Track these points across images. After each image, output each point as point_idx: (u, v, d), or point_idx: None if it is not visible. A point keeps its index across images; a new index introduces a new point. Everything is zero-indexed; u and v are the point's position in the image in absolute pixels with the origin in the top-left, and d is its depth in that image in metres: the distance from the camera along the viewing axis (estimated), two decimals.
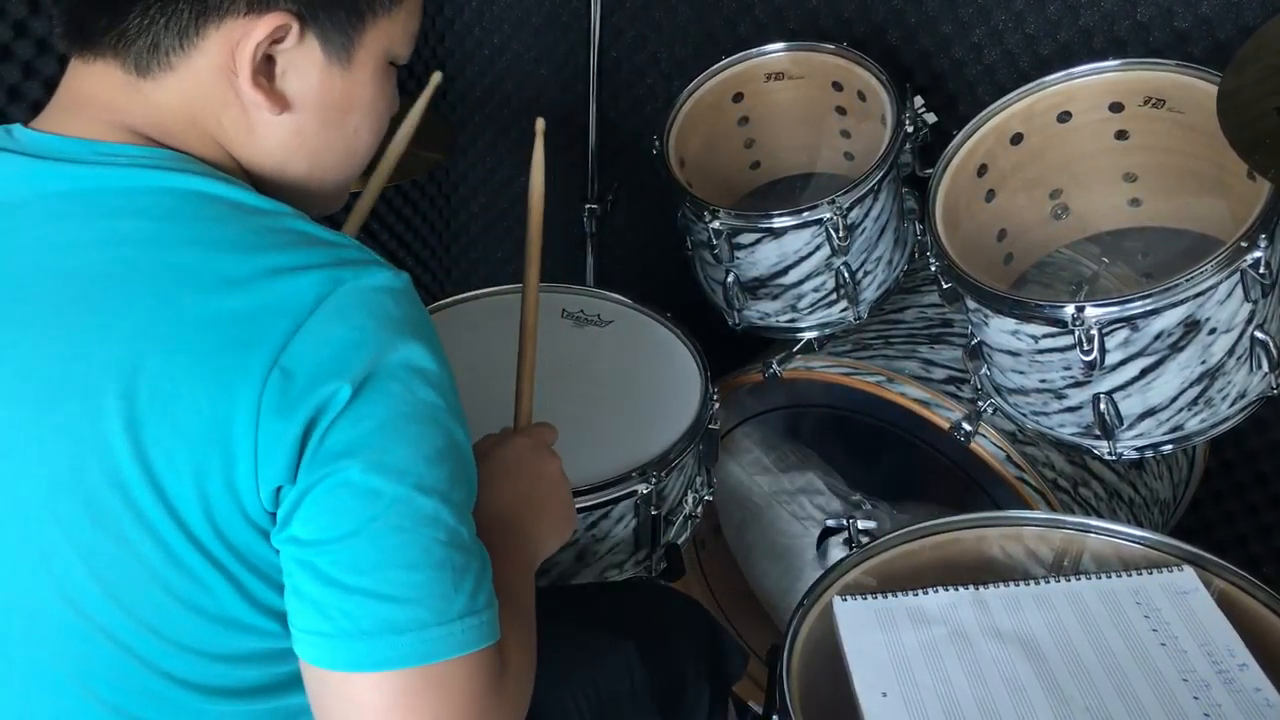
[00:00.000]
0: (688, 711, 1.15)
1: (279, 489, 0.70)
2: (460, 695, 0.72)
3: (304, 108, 0.79)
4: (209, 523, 0.71)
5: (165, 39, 0.75)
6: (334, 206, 0.90)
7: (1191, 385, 1.19)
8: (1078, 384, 1.22)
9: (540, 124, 1.10)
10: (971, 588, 1.03)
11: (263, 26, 0.75)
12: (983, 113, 1.37)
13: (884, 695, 0.93)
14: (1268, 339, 1.18)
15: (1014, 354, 1.26)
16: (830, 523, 1.20)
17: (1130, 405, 1.21)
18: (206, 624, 0.74)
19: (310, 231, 0.75)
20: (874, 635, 0.99)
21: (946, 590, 1.03)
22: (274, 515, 0.71)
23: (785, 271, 1.47)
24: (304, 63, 0.78)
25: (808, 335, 1.54)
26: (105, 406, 0.70)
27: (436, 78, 1.21)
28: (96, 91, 0.77)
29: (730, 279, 1.51)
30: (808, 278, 1.47)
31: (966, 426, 1.37)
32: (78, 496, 0.72)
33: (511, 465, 1.01)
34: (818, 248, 1.44)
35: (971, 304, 1.27)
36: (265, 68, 0.77)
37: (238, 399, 0.68)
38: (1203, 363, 1.17)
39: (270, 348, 0.69)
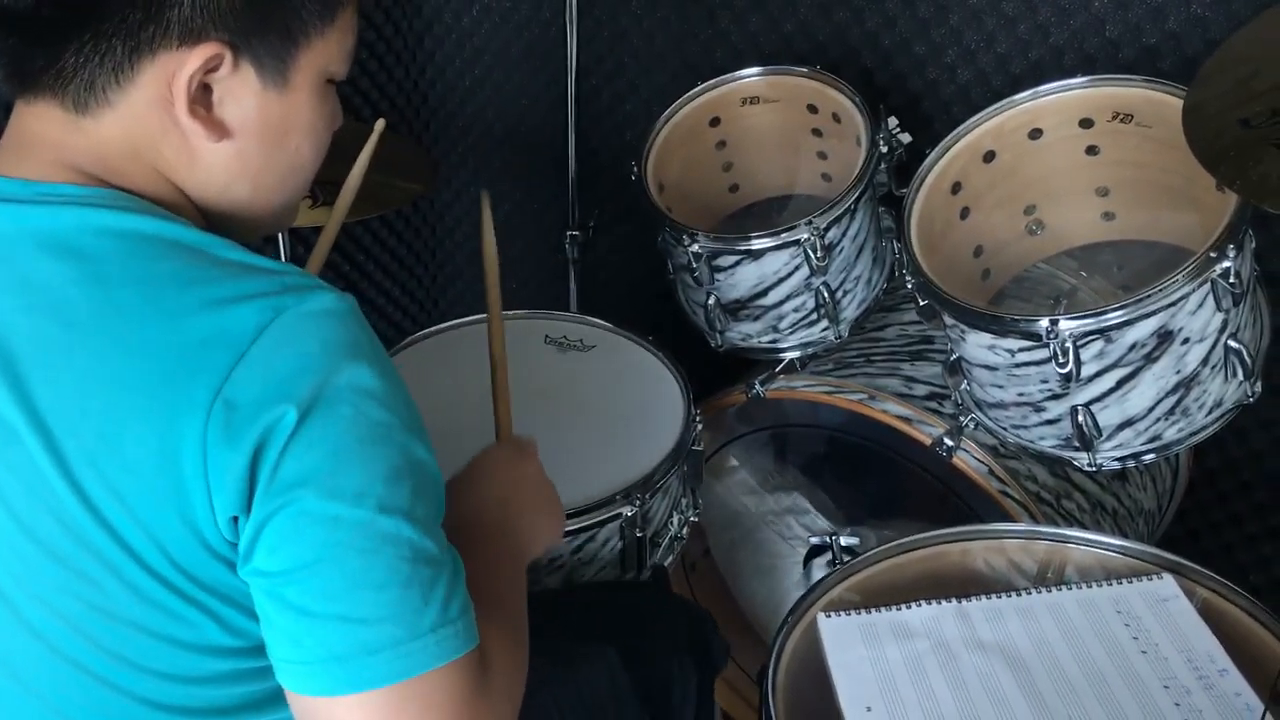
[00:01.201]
0: (676, 705, 1.15)
1: (235, 518, 0.71)
2: (444, 704, 0.73)
3: (244, 133, 0.80)
4: (167, 559, 0.72)
5: (101, 76, 0.75)
6: (283, 225, 0.90)
7: (1167, 395, 1.20)
8: (1055, 396, 1.23)
9: (380, 124, 1.14)
10: (954, 601, 1.04)
11: (196, 57, 0.75)
12: (954, 131, 1.39)
13: (868, 710, 0.93)
14: (1241, 347, 1.19)
15: (992, 368, 1.27)
16: (814, 540, 1.20)
17: (1108, 416, 1.22)
18: (183, 652, 0.75)
19: (249, 261, 0.76)
20: (858, 650, 0.99)
21: (929, 604, 1.04)
22: (235, 545, 0.72)
23: (765, 292, 1.48)
24: (240, 89, 0.78)
25: (790, 355, 1.55)
26: (46, 450, 0.71)
27: (380, 125, 1.23)
28: (39, 131, 0.78)
29: (711, 301, 1.52)
30: (788, 298, 1.48)
31: (948, 442, 1.38)
32: (37, 536, 0.72)
33: (490, 469, 1.02)
34: (797, 268, 1.45)
35: (949, 320, 1.29)
36: (202, 97, 0.77)
37: (184, 432, 0.69)
38: (1178, 372, 1.19)
39: (213, 379, 0.69)
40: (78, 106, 0.77)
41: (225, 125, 0.79)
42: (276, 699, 0.78)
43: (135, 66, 0.75)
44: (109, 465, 0.70)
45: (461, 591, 0.76)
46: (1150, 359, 1.18)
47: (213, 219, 0.80)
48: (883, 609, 1.04)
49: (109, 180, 0.78)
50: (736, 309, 1.52)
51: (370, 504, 0.71)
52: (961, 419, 1.38)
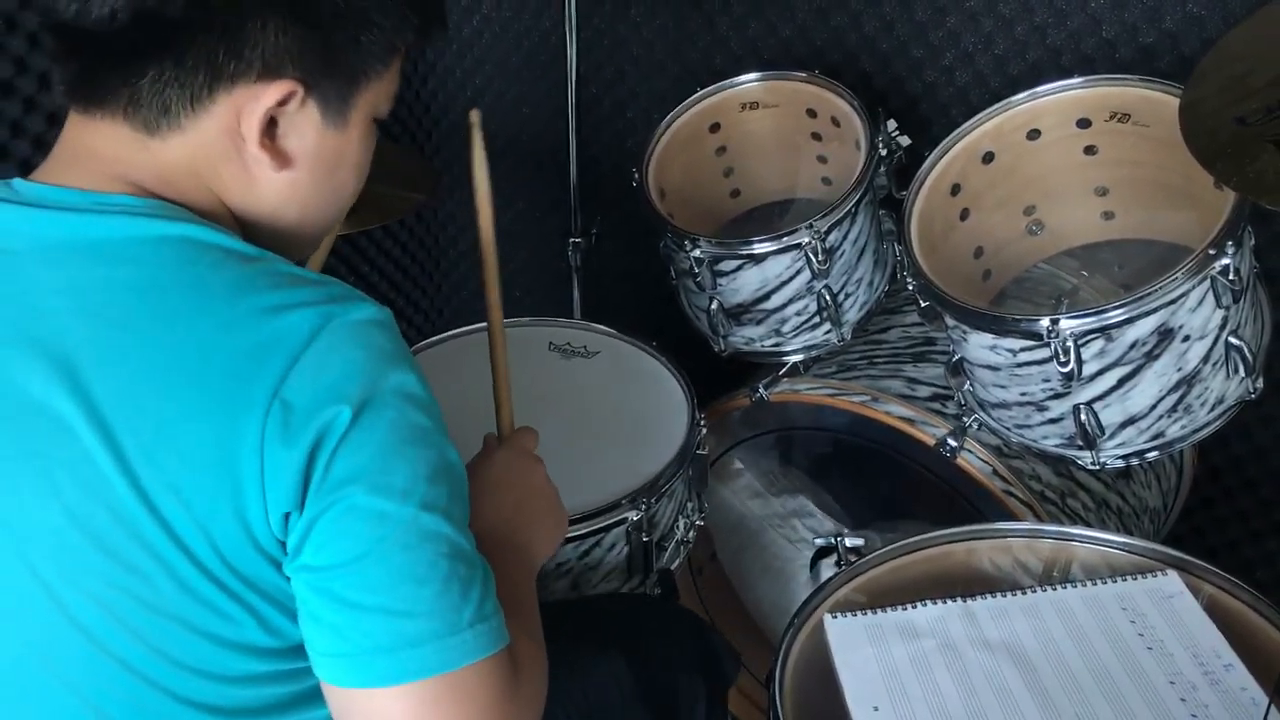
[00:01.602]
0: (685, 715, 1.16)
1: (287, 515, 0.73)
2: (480, 698, 0.75)
3: (301, 164, 0.83)
4: (217, 555, 0.74)
5: (177, 102, 0.78)
6: (312, 251, 0.94)
7: (1169, 393, 1.21)
8: (1057, 396, 1.24)
9: (474, 115, 1.12)
10: (960, 600, 1.05)
11: (273, 92, 0.78)
12: (953, 133, 1.40)
13: (875, 710, 0.94)
14: (1242, 344, 1.19)
15: (994, 369, 1.27)
16: (820, 542, 1.21)
17: (1110, 415, 1.23)
18: (223, 650, 0.77)
19: (296, 273, 0.79)
20: (864, 651, 1.00)
21: (935, 603, 1.04)
22: (284, 544, 0.74)
23: (768, 296, 1.49)
24: (304, 124, 0.82)
25: (793, 358, 1.56)
26: (104, 446, 0.72)
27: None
28: (101, 147, 0.80)
29: (714, 306, 1.53)
30: (790, 302, 1.49)
31: (952, 442, 1.39)
32: (89, 530, 0.74)
33: (498, 480, 1.04)
34: (798, 272, 1.46)
35: (950, 321, 1.29)
36: (268, 129, 0.80)
37: (242, 431, 0.71)
38: (1179, 370, 1.19)
39: (270, 380, 0.72)
40: (148, 128, 0.79)
41: (288, 155, 0.82)
42: (304, 702, 0.80)
43: (212, 95, 0.78)
44: (167, 460, 0.72)
45: (493, 592, 0.78)
46: (1151, 357, 1.18)
47: (255, 238, 0.83)
48: (889, 609, 1.04)
49: (162, 194, 0.80)
50: (739, 313, 1.52)
51: (415, 502, 0.74)
52: (965, 419, 1.38)
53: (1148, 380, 1.19)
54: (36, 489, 0.74)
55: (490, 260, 1.14)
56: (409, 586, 0.73)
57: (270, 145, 0.81)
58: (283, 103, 0.79)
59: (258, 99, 0.78)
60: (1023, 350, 1.22)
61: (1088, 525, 1.39)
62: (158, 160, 0.80)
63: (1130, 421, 1.23)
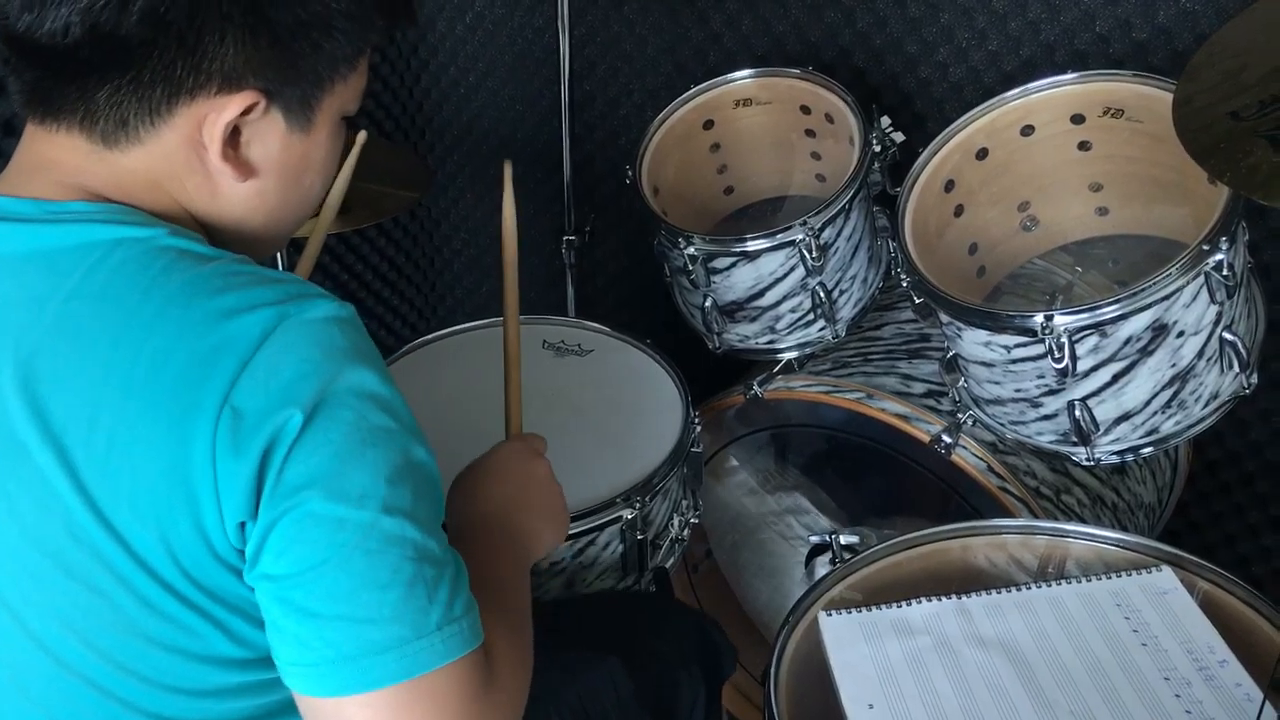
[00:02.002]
0: (683, 713, 1.16)
1: (242, 524, 0.72)
2: (451, 702, 0.74)
3: (266, 173, 0.82)
4: (177, 568, 0.72)
5: (135, 116, 0.76)
6: (279, 248, 0.92)
7: (1164, 388, 1.21)
8: (1052, 392, 1.23)
9: (508, 167, 1.12)
10: (954, 597, 1.04)
11: (234, 104, 0.77)
12: (946, 130, 1.40)
13: (870, 707, 0.94)
14: (1236, 339, 1.19)
15: (988, 365, 1.27)
16: (815, 539, 1.21)
17: (1105, 410, 1.23)
18: (192, 664, 0.76)
19: (255, 272, 0.77)
20: (859, 648, 1.00)
21: (930, 600, 1.04)
22: (242, 553, 0.73)
23: (762, 293, 1.48)
24: (268, 132, 0.81)
25: (787, 355, 1.55)
26: (59, 464, 0.71)
27: (361, 136, 1.24)
28: (58, 157, 0.79)
29: (708, 303, 1.53)
30: (784, 299, 1.49)
31: (947, 439, 1.39)
32: (47, 550, 0.73)
33: (498, 468, 1.03)
34: (792, 269, 1.45)
35: (944, 317, 1.29)
36: (231, 139, 0.79)
37: (193, 440, 0.70)
38: (1173, 365, 1.19)
39: (220, 387, 0.70)
40: (105, 140, 0.78)
41: (251, 166, 0.81)
42: (279, 714, 0.79)
43: (171, 109, 0.77)
44: (120, 474, 0.71)
45: (465, 590, 0.77)
46: (1146, 352, 1.18)
47: (220, 243, 0.82)
48: (884, 606, 1.04)
49: (122, 202, 0.79)
50: (733, 310, 1.52)
51: (374, 505, 0.72)
52: (959, 416, 1.38)
53: (1142, 376, 1.19)
54: None
55: (511, 276, 1.13)
56: (371, 592, 0.72)
57: (233, 156, 0.79)
58: (245, 113, 0.78)
59: (219, 111, 0.77)
60: (1017, 346, 1.22)
61: (1082, 521, 1.39)
62: (116, 171, 0.79)
63: (1125, 417, 1.23)
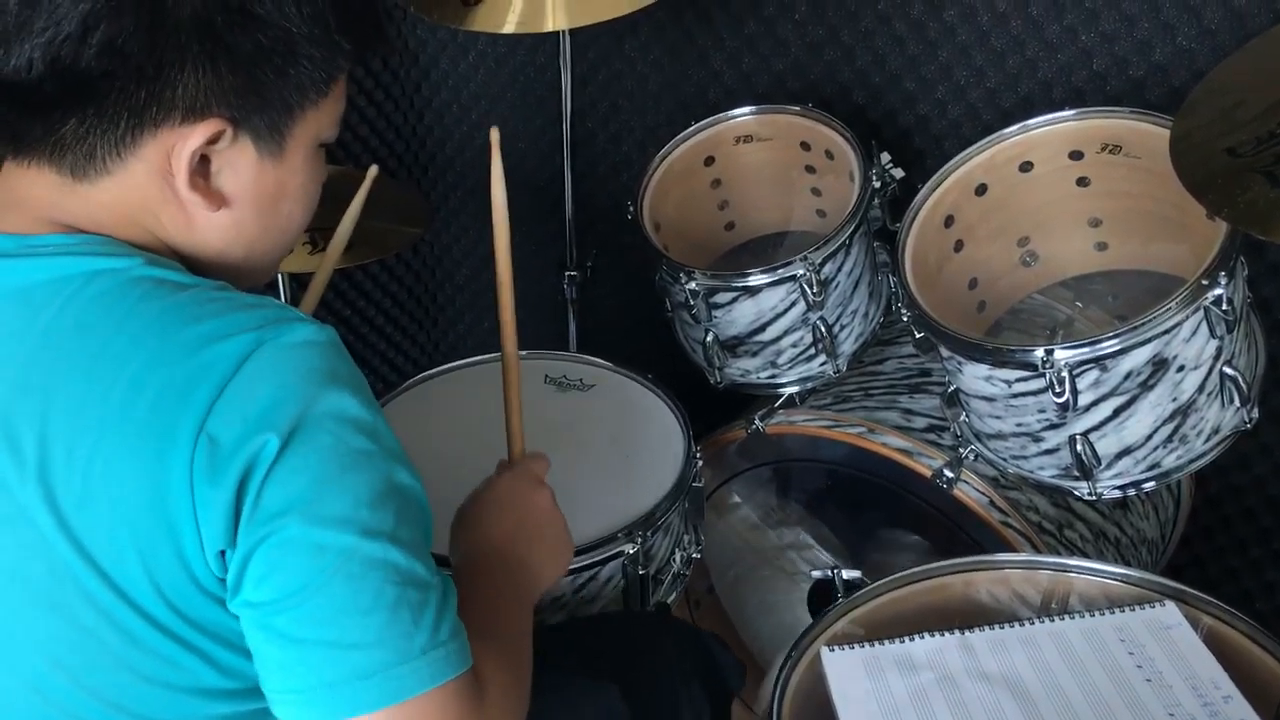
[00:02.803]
0: None
1: (222, 552, 0.71)
2: None
3: (240, 202, 0.82)
4: (161, 600, 0.72)
5: (102, 148, 0.76)
6: (265, 280, 0.92)
7: (1165, 423, 1.21)
8: (1053, 426, 1.24)
9: (373, 170, 1.11)
10: (957, 632, 1.04)
11: (199, 133, 0.76)
12: (946, 166, 1.41)
13: None
14: (1237, 374, 1.20)
15: (989, 399, 1.27)
16: (817, 574, 1.20)
17: (1106, 445, 1.23)
18: (180, 697, 0.75)
19: (234, 298, 0.77)
20: (862, 684, 0.99)
21: (933, 636, 1.04)
22: (223, 581, 0.72)
23: (763, 328, 1.49)
24: (238, 160, 0.80)
25: (789, 390, 1.56)
26: (40, 500, 0.71)
27: (372, 171, 1.24)
28: (31, 193, 0.79)
29: (710, 338, 1.53)
30: (785, 333, 1.49)
31: (948, 473, 1.39)
32: (30, 587, 0.73)
33: (500, 499, 1.03)
34: (793, 304, 1.46)
35: (945, 352, 1.29)
36: (201, 168, 0.79)
37: (171, 470, 0.70)
38: (1174, 400, 1.19)
39: (195, 415, 0.70)
40: (75, 174, 0.78)
41: (223, 195, 0.81)
42: None
43: (137, 140, 0.76)
44: (100, 506, 0.71)
45: (451, 614, 0.76)
46: (1146, 387, 1.18)
47: (204, 275, 0.81)
48: (886, 641, 1.03)
49: (96, 233, 0.78)
50: (734, 345, 1.53)
51: (354, 529, 0.71)
52: (961, 450, 1.38)
53: (1143, 410, 1.20)
54: None
55: (505, 282, 1.11)
56: (353, 617, 0.71)
57: (203, 185, 0.79)
58: (212, 141, 0.77)
59: (184, 140, 0.76)
60: (1018, 381, 1.22)
61: (1085, 556, 1.39)
62: (89, 204, 0.78)
63: (1126, 452, 1.23)
